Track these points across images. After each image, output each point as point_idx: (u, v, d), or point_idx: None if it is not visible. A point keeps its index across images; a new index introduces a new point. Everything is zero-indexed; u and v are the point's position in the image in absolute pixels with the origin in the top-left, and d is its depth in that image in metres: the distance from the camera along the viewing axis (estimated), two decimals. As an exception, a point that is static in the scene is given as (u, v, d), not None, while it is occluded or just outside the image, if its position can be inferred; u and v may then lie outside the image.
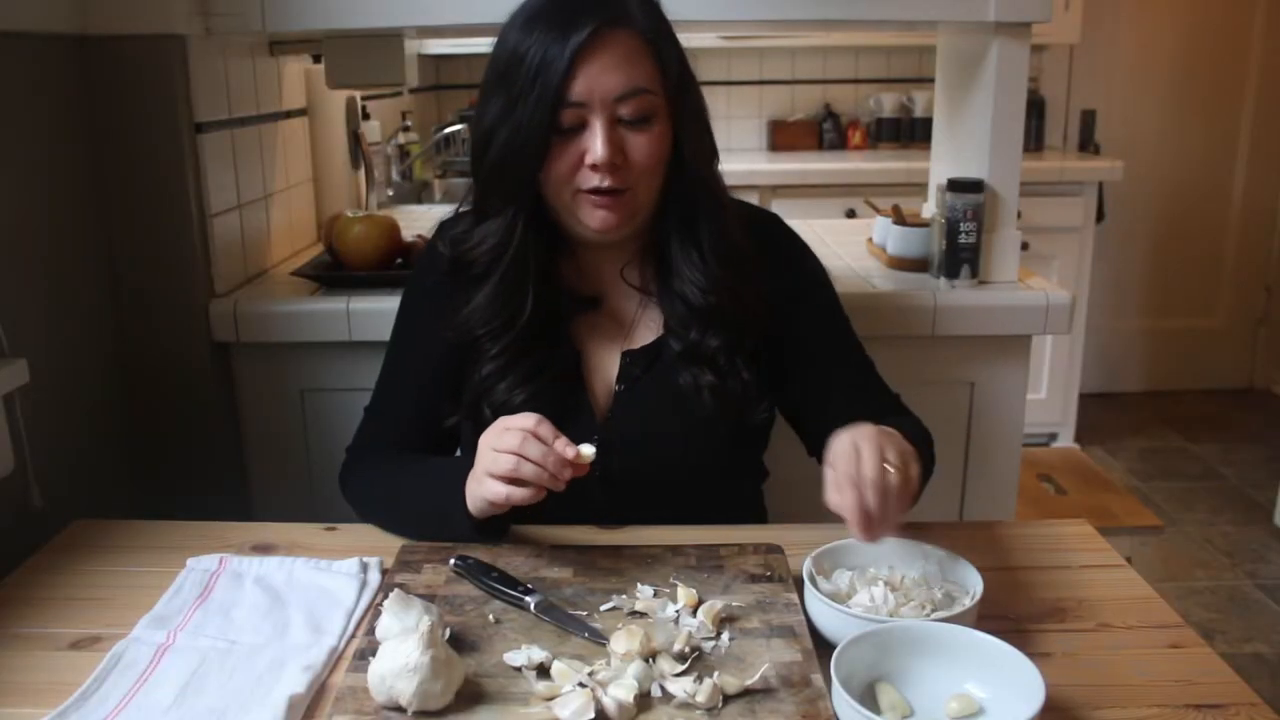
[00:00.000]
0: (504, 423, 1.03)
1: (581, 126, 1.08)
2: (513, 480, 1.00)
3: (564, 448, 1.00)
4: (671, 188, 1.15)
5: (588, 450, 1.01)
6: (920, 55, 3.88)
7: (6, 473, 1.23)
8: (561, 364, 1.19)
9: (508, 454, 1.00)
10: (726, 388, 1.16)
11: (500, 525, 1.11)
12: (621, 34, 1.07)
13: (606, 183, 1.08)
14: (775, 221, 1.29)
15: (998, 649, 0.84)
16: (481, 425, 1.17)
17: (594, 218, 1.11)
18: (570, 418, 1.16)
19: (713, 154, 1.18)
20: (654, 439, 1.18)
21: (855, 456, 0.94)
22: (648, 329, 1.21)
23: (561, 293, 1.20)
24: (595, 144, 1.07)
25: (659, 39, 1.10)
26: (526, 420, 1.01)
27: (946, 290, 1.65)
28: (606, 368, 1.21)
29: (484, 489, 1.03)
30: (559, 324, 1.19)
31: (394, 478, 1.20)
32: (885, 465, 0.94)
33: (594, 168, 1.08)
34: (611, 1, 1.08)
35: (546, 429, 1.01)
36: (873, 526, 0.92)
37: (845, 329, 1.27)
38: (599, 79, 1.06)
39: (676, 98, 1.11)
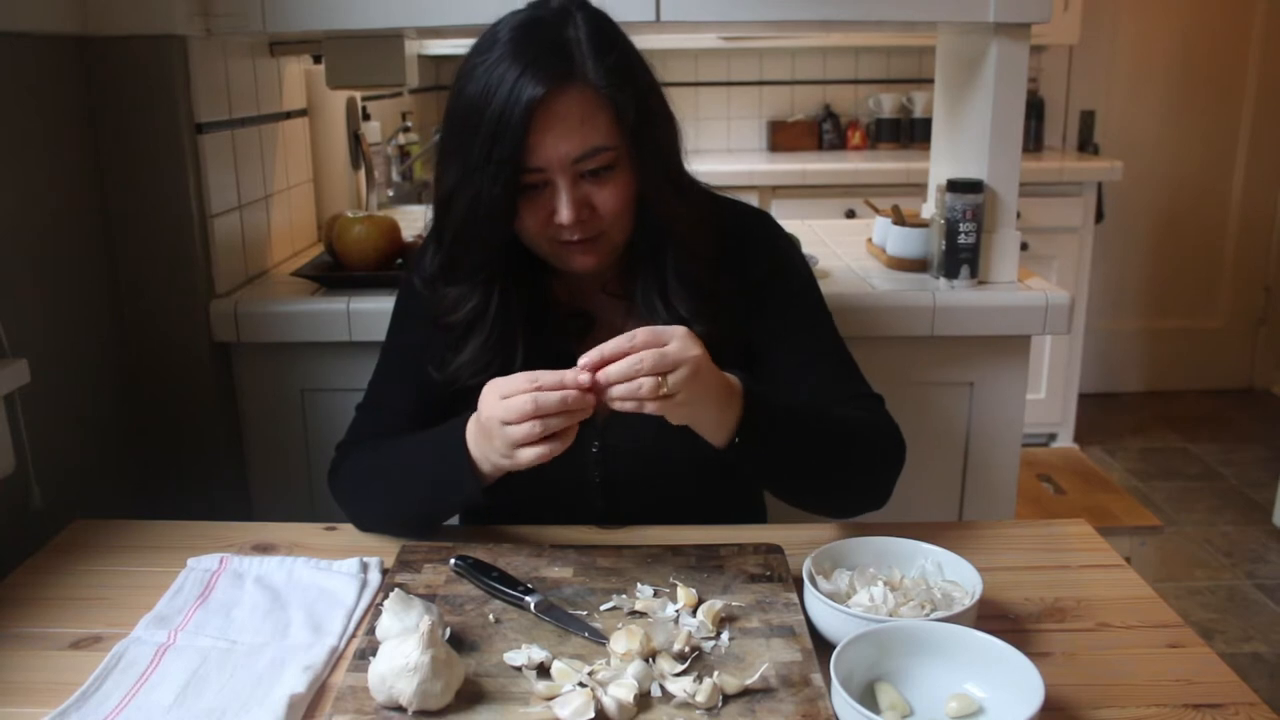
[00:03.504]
0: (497, 390, 0.99)
1: (545, 184, 1.07)
2: (544, 439, 0.97)
3: (575, 378, 0.95)
4: (640, 218, 1.14)
5: (585, 377, 0.96)
6: (920, 55, 3.89)
7: (7, 473, 1.23)
8: None
9: (526, 421, 0.96)
10: None
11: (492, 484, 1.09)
12: (574, 92, 1.04)
13: (577, 236, 1.09)
14: (762, 219, 1.28)
15: (997, 649, 0.84)
16: None
17: (575, 262, 1.12)
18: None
19: (676, 190, 1.15)
20: (653, 443, 1.18)
21: (655, 336, 0.95)
22: None
23: (552, 313, 1.19)
24: (562, 209, 1.06)
25: (613, 87, 1.06)
26: (519, 381, 0.97)
27: (946, 290, 1.65)
28: None
29: (518, 458, 0.98)
30: (552, 343, 1.18)
31: (384, 455, 1.17)
32: (660, 377, 0.94)
33: (562, 226, 1.08)
34: (562, 59, 1.04)
35: (548, 376, 0.96)
36: (597, 381, 0.94)
37: (823, 326, 1.25)
38: (556, 145, 1.04)
39: (635, 142, 1.08)
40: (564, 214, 1.06)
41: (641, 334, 0.95)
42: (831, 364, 1.22)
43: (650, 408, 0.95)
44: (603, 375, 0.95)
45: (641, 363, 0.94)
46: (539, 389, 0.96)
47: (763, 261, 1.22)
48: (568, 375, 0.96)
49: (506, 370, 1.10)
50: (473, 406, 1.15)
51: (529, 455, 0.98)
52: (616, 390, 0.95)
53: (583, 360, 0.96)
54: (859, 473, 1.14)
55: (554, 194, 1.07)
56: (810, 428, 1.10)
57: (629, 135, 1.08)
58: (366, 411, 1.27)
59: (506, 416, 0.97)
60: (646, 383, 0.94)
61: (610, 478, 1.19)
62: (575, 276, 1.20)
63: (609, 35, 1.08)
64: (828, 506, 1.16)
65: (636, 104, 1.08)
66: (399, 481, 1.16)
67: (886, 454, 1.16)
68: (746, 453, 1.04)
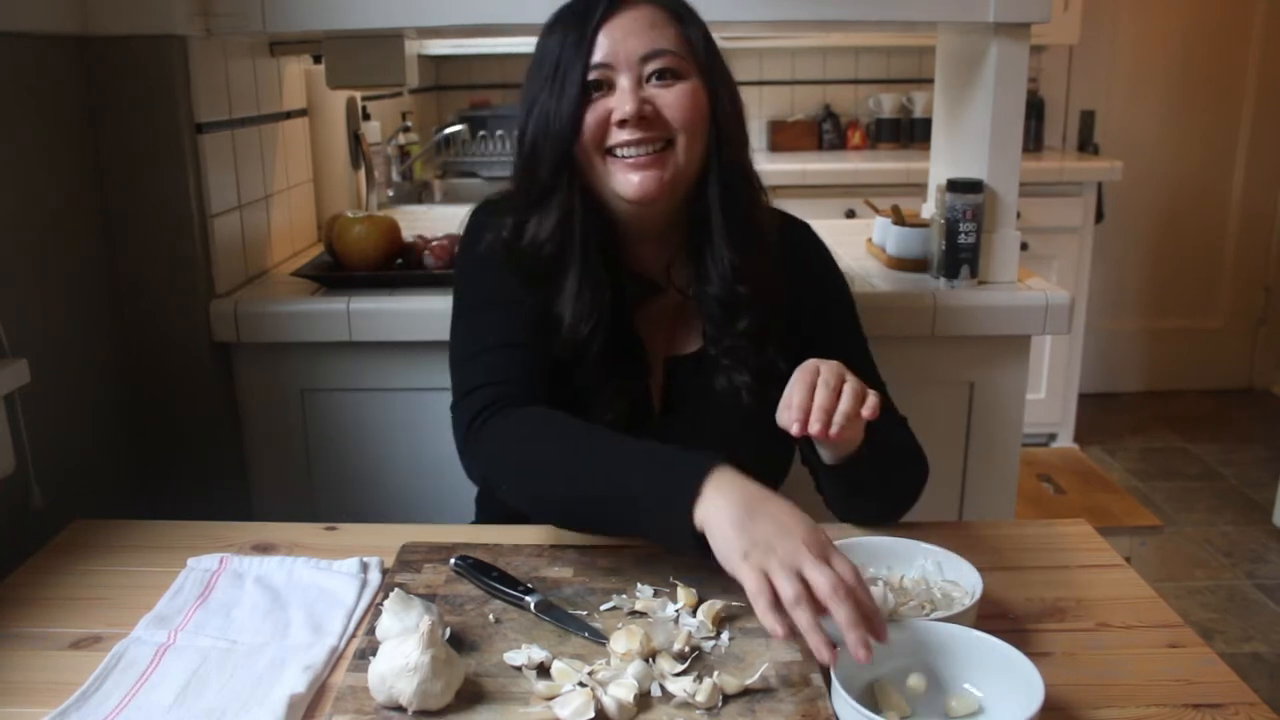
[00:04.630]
0: (812, 549, 0.83)
1: (609, 88, 1.09)
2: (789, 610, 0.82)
3: (877, 624, 0.82)
4: (710, 160, 1.13)
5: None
6: (920, 56, 3.89)
7: (7, 473, 1.23)
8: (638, 371, 1.18)
9: (807, 600, 0.81)
10: (764, 388, 1.14)
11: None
12: (643, 6, 1.09)
13: (637, 136, 1.08)
14: (805, 229, 1.29)
15: (997, 649, 0.84)
16: None
17: (630, 183, 1.09)
18: (639, 425, 1.13)
19: (745, 132, 1.17)
20: (702, 442, 1.17)
21: (813, 368, 1.01)
22: (686, 337, 1.20)
23: (625, 276, 1.17)
24: (622, 102, 1.07)
25: (680, 12, 1.12)
26: (847, 572, 0.83)
27: (946, 290, 1.65)
28: (655, 374, 1.21)
29: (750, 587, 0.84)
30: (627, 326, 1.17)
31: (589, 442, 1.00)
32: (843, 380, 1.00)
33: (621, 124, 1.07)
34: None
35: (863, 594, 0.83)
36: (818, 415, 0.98)
37: (861, 349, 1.25)
38: (623, 42, 1.08)
39: (706, 64, 1.12)
40: (625, 106, 1.07)
41: (827, 373, 1.00)
42: (870, 385, 1.22)
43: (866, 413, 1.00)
44: (827, 409, 0.98)
45: (856, 389, 1.00)
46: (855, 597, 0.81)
47: (806, 267, 1.23)
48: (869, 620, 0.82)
49: (604, 313, 1.11)
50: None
51: (767, 612, 0.82)
52: (865, 412, 1.00)
53: (793, 419, 0.99)
54: (908, 483, 1.18)
55: (616, 94, 1.09)
56: (892, 442, 1.14)
57: (699, 57, 1.11)
58: (481, 364, 1.11)
59: (811, 554, 0.83)
60: (872, 401, 1.00)
61: None
62: (635, 256, 1.19)
63: None
64: (872, 515, 1.17)
65: (704, 39, 1.12)
66: (601, 489, 0.98)
67: (921, 471, 1.20)
68: (860, 465, 1.08)
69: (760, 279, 1.15)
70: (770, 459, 1.25)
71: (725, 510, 0.88)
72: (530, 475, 1.03)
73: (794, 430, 0.99)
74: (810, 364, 1.02)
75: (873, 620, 0.81)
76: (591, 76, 1.08)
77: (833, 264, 1.29)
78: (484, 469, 1.07)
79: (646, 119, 1.07)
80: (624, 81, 1.08)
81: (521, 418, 1.05)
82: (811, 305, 1.22)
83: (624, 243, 1.18)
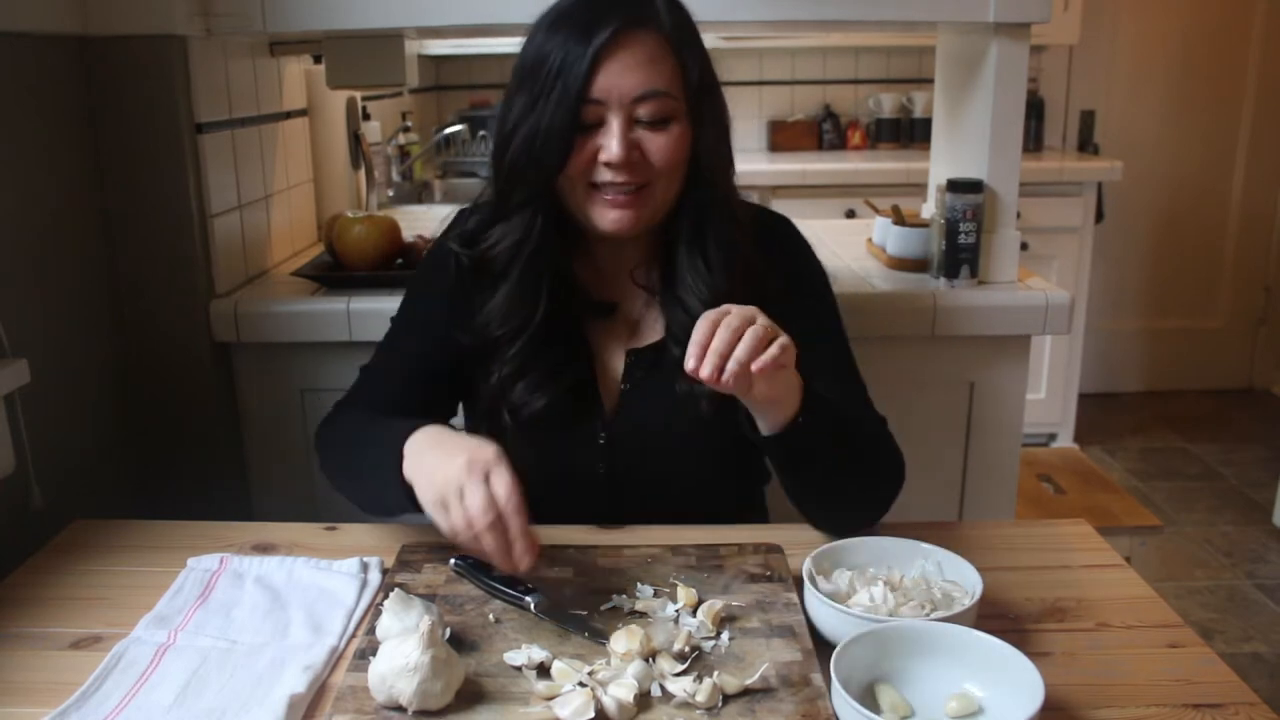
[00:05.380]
0: (474, 471, 0.93)
1: (599, 124, 1.08)
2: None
3: (520, 556, 0.93)
4: (687, 191, 1.15)
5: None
6: (920, 56, 3.89)
7: (7, 473, 1.23)
8: (575, 367, 1.18)
9: (465, 524, 0.93)
10: (723, 397, 1.14)
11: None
12: (645, 35, 1.07)
13: (621, 178, 1.09)
14: (784, 223, 1.29)
15: (997, 649, 0.84)
16: (498, 427, 1.17)
17: (606, 218, 1.11)
18: (582, 417, 1.17)
19: (729, 163, 1.17)
20: (659, 437, 1.18)
21: (723, 309, 0.96)
22: (652, 329, 1.21)
23: (575, 294, 1.19)
24: (610, 143, 1.07)
25: (682, 41, 1.10)
26: (499, 498, 0.93)
27: (946, 290, 1.65)
28: (613, 365, 1.21)
29: (430, 517, 0.97)
30: (570, 323, 1.19)
31: (360, 430, 1.16)
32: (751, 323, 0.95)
33: (608, 165, 1.08)
34: (637, 1, 1.08)
35: (516, 525, 0.93)
36: (710, 359, 0.92)
37: (838, 345, 1.23)
38: (619, 79, 1.06)
39: (696, 101, 1.11)
40: (613, 148, 1.07)
41: (734, 316, 0.94)
42: (843, 381, 1.21)
43: (763, 363, 0.93)
44: (722, 353, 0.93)
45: (758, 335, 0.94)
46: (496, 525, 0.93)
47: (785, 268, 1.22)
48: (519, 548, 0.94)
49: (528, 327, 1.13)
50: (495, 408, 1.14)
51: (439, 523, 0.96)
52: (755, 364, 0.93)
53: (690, 356, 0.94)
54: (873, 483, 1.14)
55: (605, 134, 1.08)
56: (847, 423, 1.10)
57: (691, 91, 1.10)
58: (367, 374, 1.26)
59: (466, 499, 0.93)
60: (771, 352, 0.93)
61: (615, 471, 1.19)
62: (601, 258, 1.20)
63: (680, 2, 1.13)
64: (833, 512, 1.14)
65: (700, 69, 1.11)
66: (356, 466, 1.15)
67: (892, 473, 1.16)
68: (800, 436, 1.03)
69: (730, 298, 1.14)
70: (733, 460, 1.24)
71: (420, 469, 0.99)
72: (334, 480, 1.19)
73: (688, 367, 0.94)
74: (723, 306, 0.97)
75: (515, 545, 0.93)
76: (585, 116, 1.07)
77: (813, 260, 1.28)
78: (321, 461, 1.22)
79: (632, 163, 1.08)
80: (614, 122, 1.07)
81: (328, 434, 1.21)
82: (782, 300, 1.19)
83: (588, 245, 1.20)
